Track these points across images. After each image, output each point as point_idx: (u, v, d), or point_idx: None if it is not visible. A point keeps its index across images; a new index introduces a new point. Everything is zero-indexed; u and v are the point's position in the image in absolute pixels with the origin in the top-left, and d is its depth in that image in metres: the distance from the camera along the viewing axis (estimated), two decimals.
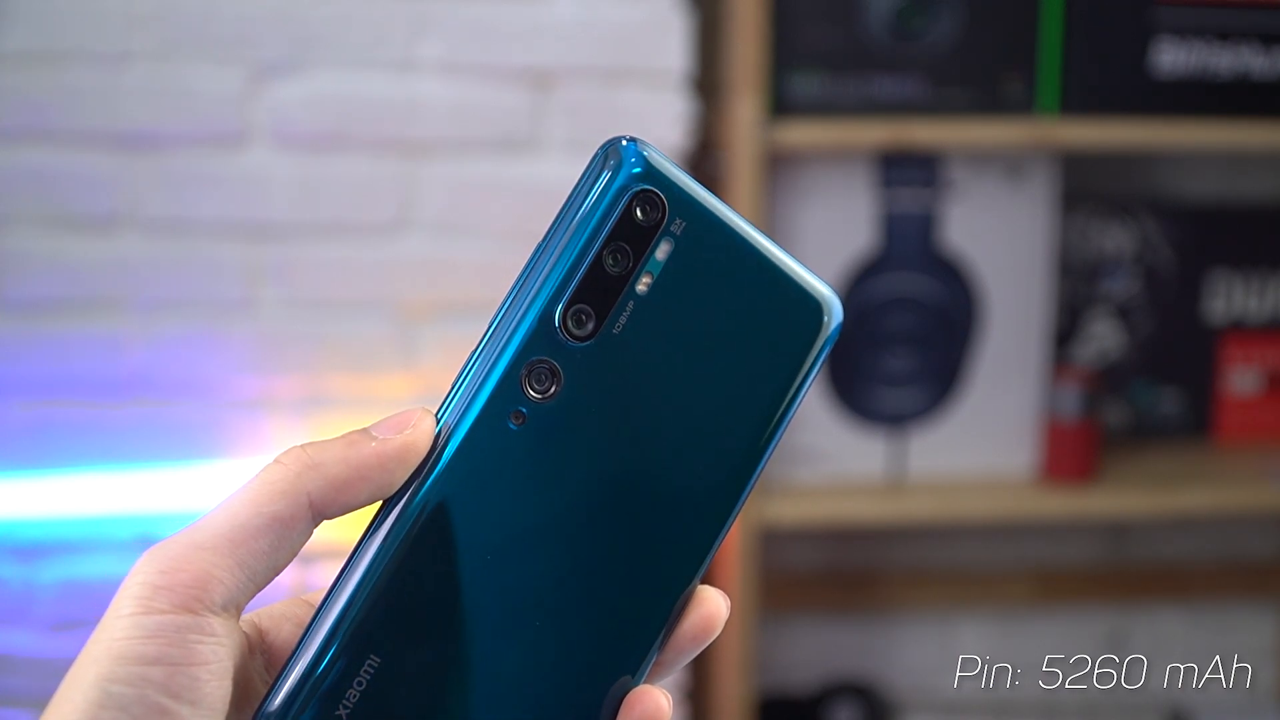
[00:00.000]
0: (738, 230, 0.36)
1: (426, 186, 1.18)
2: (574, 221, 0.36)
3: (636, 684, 0.36)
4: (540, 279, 0.36)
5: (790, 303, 0.37)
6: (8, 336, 1.17)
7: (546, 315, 0.35)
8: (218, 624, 0.33)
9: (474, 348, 0.36)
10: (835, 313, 0.37)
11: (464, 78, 1.16)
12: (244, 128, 1.16)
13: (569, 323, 0.35)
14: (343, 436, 0.35)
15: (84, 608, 1.20)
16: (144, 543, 1.18)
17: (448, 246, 1.18)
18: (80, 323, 1.17)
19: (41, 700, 1.30)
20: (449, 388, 0.36)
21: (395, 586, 0.34)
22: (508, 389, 0.35)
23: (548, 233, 0.36)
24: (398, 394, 1.20)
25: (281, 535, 0.34)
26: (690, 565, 0.37)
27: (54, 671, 1.20)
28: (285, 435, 1.19)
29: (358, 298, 1.19)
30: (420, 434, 0.35)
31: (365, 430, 0.36)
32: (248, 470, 1.23)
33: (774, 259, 0.37)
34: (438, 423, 0.36)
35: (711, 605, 0.37)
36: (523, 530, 0.35)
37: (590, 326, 0.36)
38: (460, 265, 1.19)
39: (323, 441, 0.35)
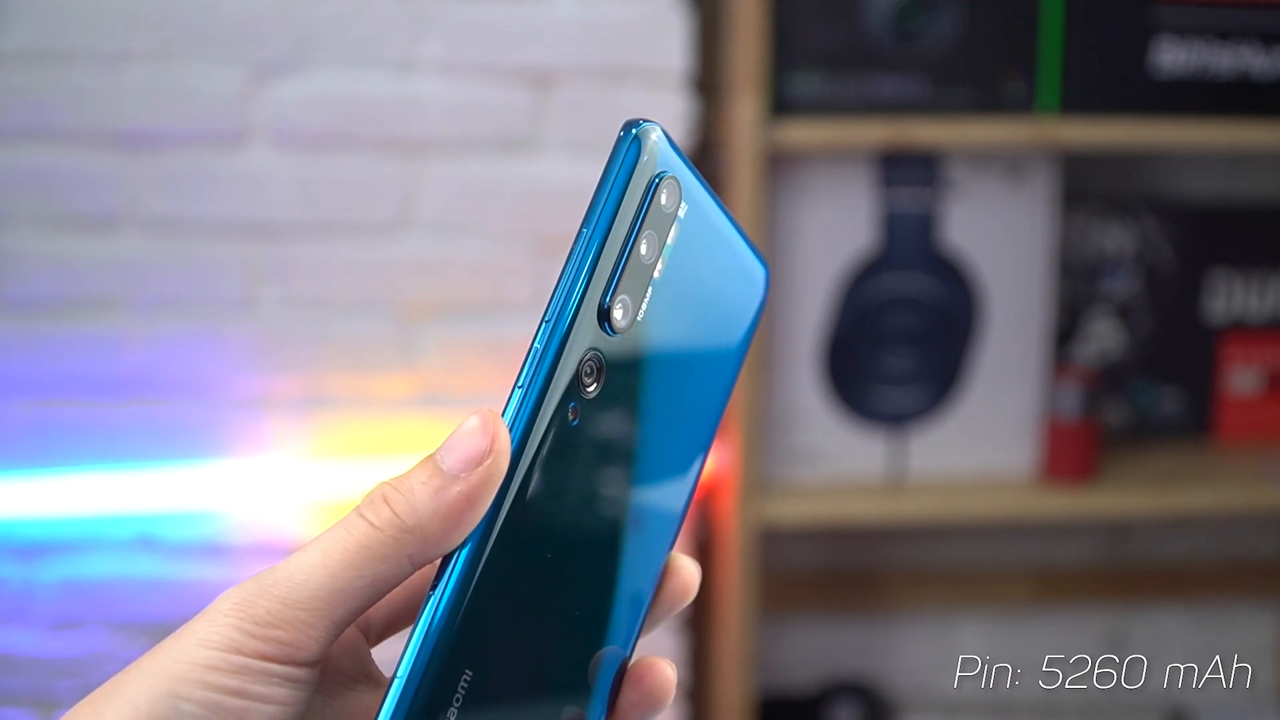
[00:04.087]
0: (714, 208, 0.39)
1: (426, 186, 1.18)
2: (614, 211, 0.36)
3: (626, 652, 0.38)
4: (590, 271, 0.36)
5: (743, 270, 0.40)
6: (8, 336, 1.17)
7: (597, 307, 0.36)
8: (304, 673, 0.33)
9: (531, 342, 0.36)
10: (766, 280, 0.41)
11: (464, 78, 1.16)
12: (244, 128, 1.16)
13: (615, 313, 0.36)
14: (425, 483, 0.34)
15: (84, 608, 1.20)
16: (144, 542, 1.19)
17: (448, 246, 1.18)
18: (80, 323, 1.17)
19: (42, 700, 1.31)
20: (514, 381, 0.36)
21: (481, 601, 0.35)
22: (570, 385, 0.35)
23: (586, 221, 0.36)
24: (398, 394, 1.20)
25: (379, 593, 0.34)
26: (672, 532, 0.39)
27: (54, 671, 1.20)
28: (285, 435, 1.19)
29: (358, 298, 1.19)
30: (500, 458, 0.34)
31: (444, 470, 0.34)
32: (247, 470, 1.23)
33: (733, 233, 0.39)
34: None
35: (686, 574, 0.39)
36: (574, 522, 0.36)
37: (630, 316, 0.36)
38: (460, 265, 1.19)
39: (407, 493, 0.34)
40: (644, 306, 0.37)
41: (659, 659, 0.38)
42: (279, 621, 0.33)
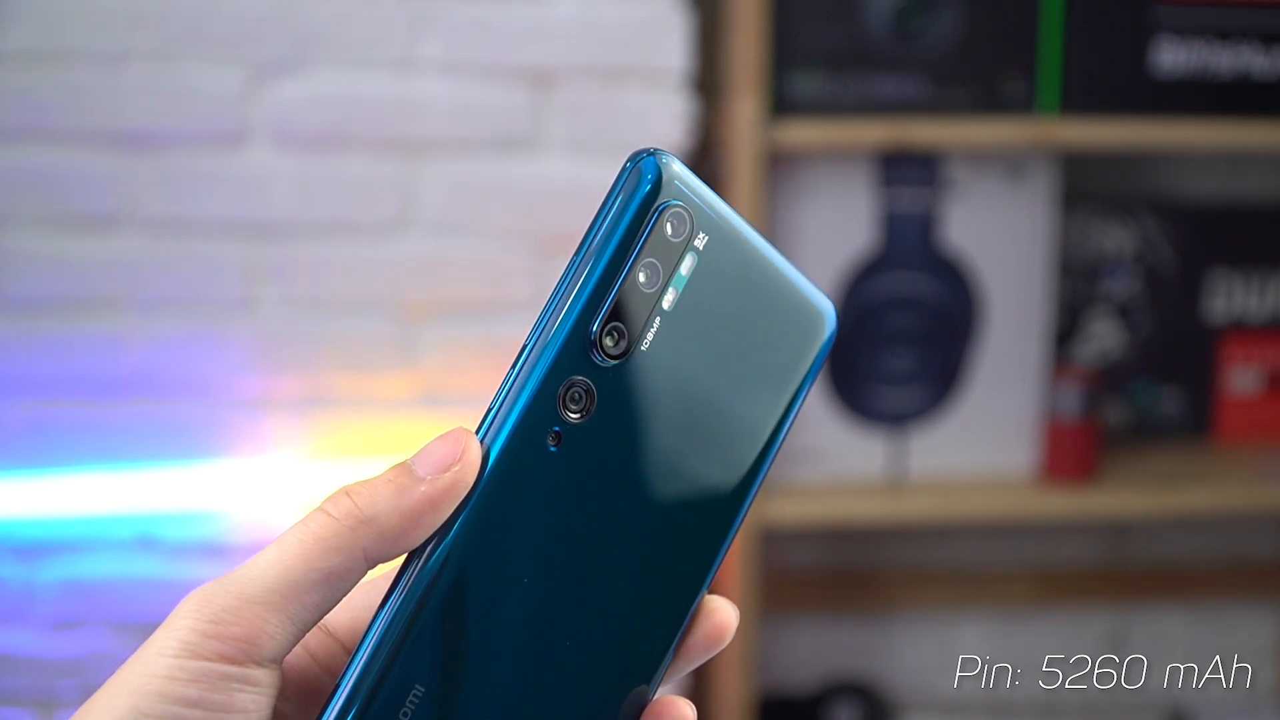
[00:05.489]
0: (751, 242, 0.37)
1: (426, 186, 1.18)
2: (607, 239, 0.35)
3: (652, 691, 0.37)
4: (576, 297, 0.35)
5: (794, 311, 0.38)
6: (8, 336, 1.17)
7: (583, 334, 0.35)
8: (263, 675, 0.33)
9: (511, 366, 0.36)
10: (833, 320, 0.38)
11: (464, 78, 1.16)
12: (244, 128, 1.16)
13: (604, 341, 0.35)
14: (390, 480, 0.34)
15: (84, 608, 1.20)
16: (144, 542, 1.19)
17: (448, 246, 1.18)
18: (80, 322, 1.17)
19: (42, 700, 1.31)
20: (489, 405, 0.36)
21: (437, 614, 0.34)
22: (546, 411, 0.35)
23: (580, 248, 0.36)
24: (398, 394, 1.20)
25: (335, 588, 0.34)
26: (702, 573, 0.37)
27: (54, 671, 1.20)
28: (285, 435, 1.19)
29: (358, 298, 1.19)
30: (468, 468, 0.34)
31: (411, 470, 0.35)
32: (247, 470, 1.23)
33: (781, 268, 0.37)
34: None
35: (722, 615, 0.38)
36: (555, 550, 0.35)
37: (624, 345, 0.35)
38: (460, 265, 1.19)
39: (371, 488, 0.34)
40: (649, 336, 0.36)
41: (677, 698, 0.37)
42: (234, 618, 0.33)
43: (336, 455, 1.20)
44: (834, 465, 1.21)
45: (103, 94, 1.14)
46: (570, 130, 1.17)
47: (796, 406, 0.38)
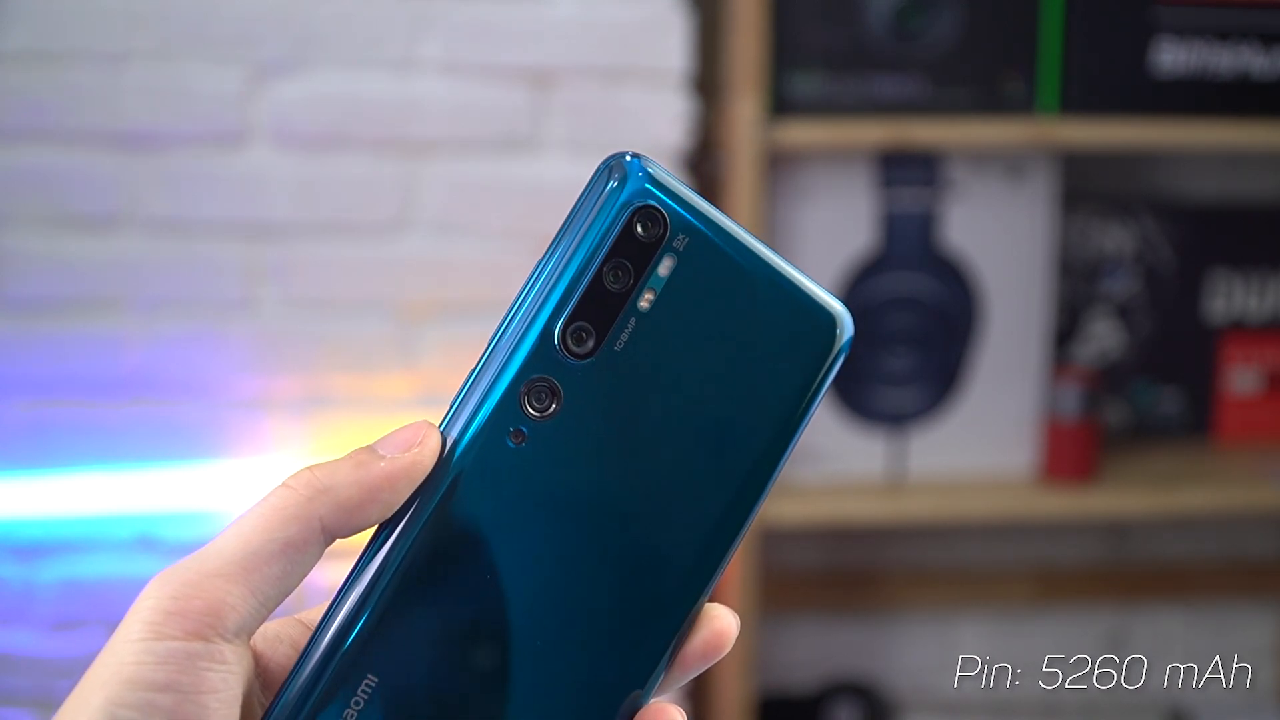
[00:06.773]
0: (742, 244, 0.36)
1: (426, 186, 1.18)
2: (574, 238, 0.35)
3: (646, 699, 0.36)
4: (540, 296, 0.35)
5: (799, 318, 0.36)
6: (8, 336, 1.17)
7: (545, 333, 0.35)
8: (229, 651, 0.33)
9: (474, 364, 0.36)
10: (846, 327, 0.36)
11: (464, 78, 1.16)
12: (244, 128, 1.16)
13: (568, 340, 0.35)
14: (350, 456, 0.35)
15: (84, 608, 1.20)
16: (144, 542, 1.19)
17: (448, 246, 1.18)
18: (80, 323, 1.17)
19: (41, 700, 1.30)
20: (449, 403, 0.36)
21: (394, 606, 0.34)
22: (506, 408, 0.35)
23: (549, 248, 0.36)
24: (398, 394, 1.20)
25: (294, 560, 0.34)
26: (698, 582, 0.37)
27: (54, 671, 1.20)
28: (285, 435, 1.19)
29: (358, 298, 1.19)
30: (427, 451, 0.35)
31: (372, 449, 0.35)
32: (247, 470, 1.23)
33: (781, 273, 0.36)
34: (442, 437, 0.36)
35: (721, 623, 0.37)
36: (524, 549, 0.35)
37: (590, 344, 0.35)
38: (460, 265, 1.19)
39: (331, 463, 0.35)
40: (623, 337, 0.35)
41: (667, 704, 0.36)
42: (195, 591, 0.33)
43: (336, 455, 1.19)
44: (834, 465, 1.21)
45: (103, 94, 1.14)
46: (570, 130, 1.17)
47: (807, 415, 0.36)
